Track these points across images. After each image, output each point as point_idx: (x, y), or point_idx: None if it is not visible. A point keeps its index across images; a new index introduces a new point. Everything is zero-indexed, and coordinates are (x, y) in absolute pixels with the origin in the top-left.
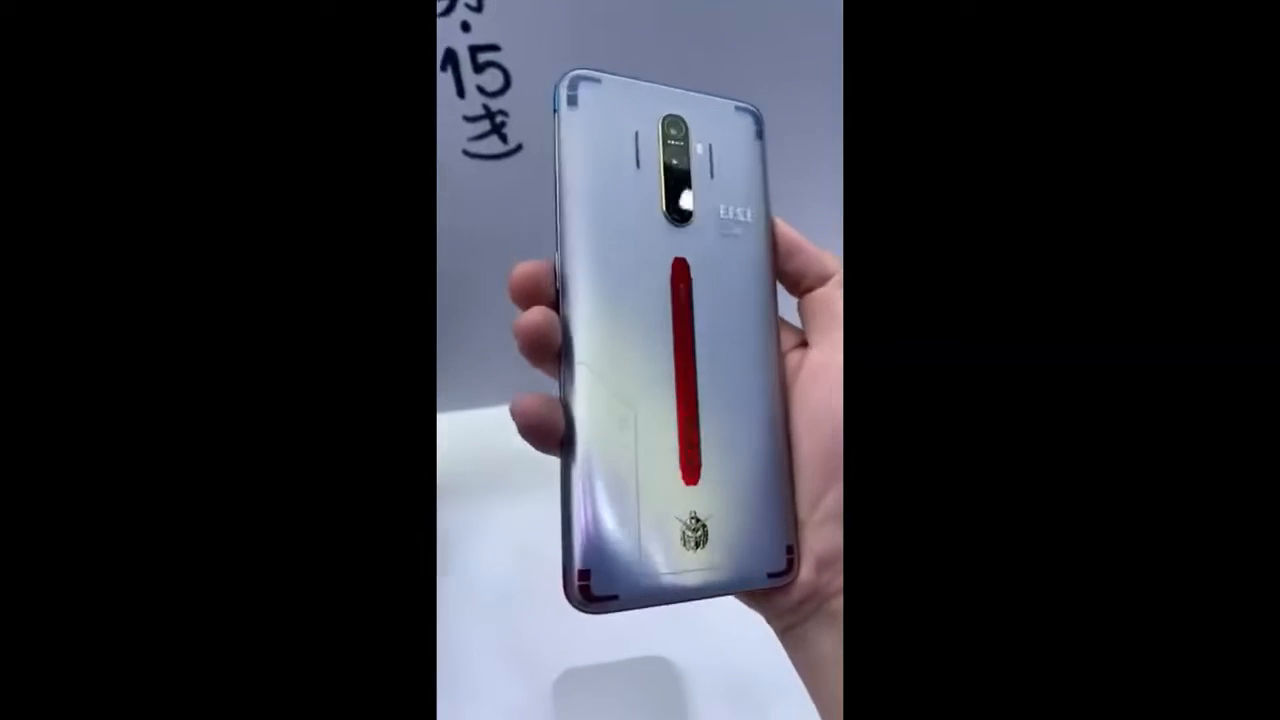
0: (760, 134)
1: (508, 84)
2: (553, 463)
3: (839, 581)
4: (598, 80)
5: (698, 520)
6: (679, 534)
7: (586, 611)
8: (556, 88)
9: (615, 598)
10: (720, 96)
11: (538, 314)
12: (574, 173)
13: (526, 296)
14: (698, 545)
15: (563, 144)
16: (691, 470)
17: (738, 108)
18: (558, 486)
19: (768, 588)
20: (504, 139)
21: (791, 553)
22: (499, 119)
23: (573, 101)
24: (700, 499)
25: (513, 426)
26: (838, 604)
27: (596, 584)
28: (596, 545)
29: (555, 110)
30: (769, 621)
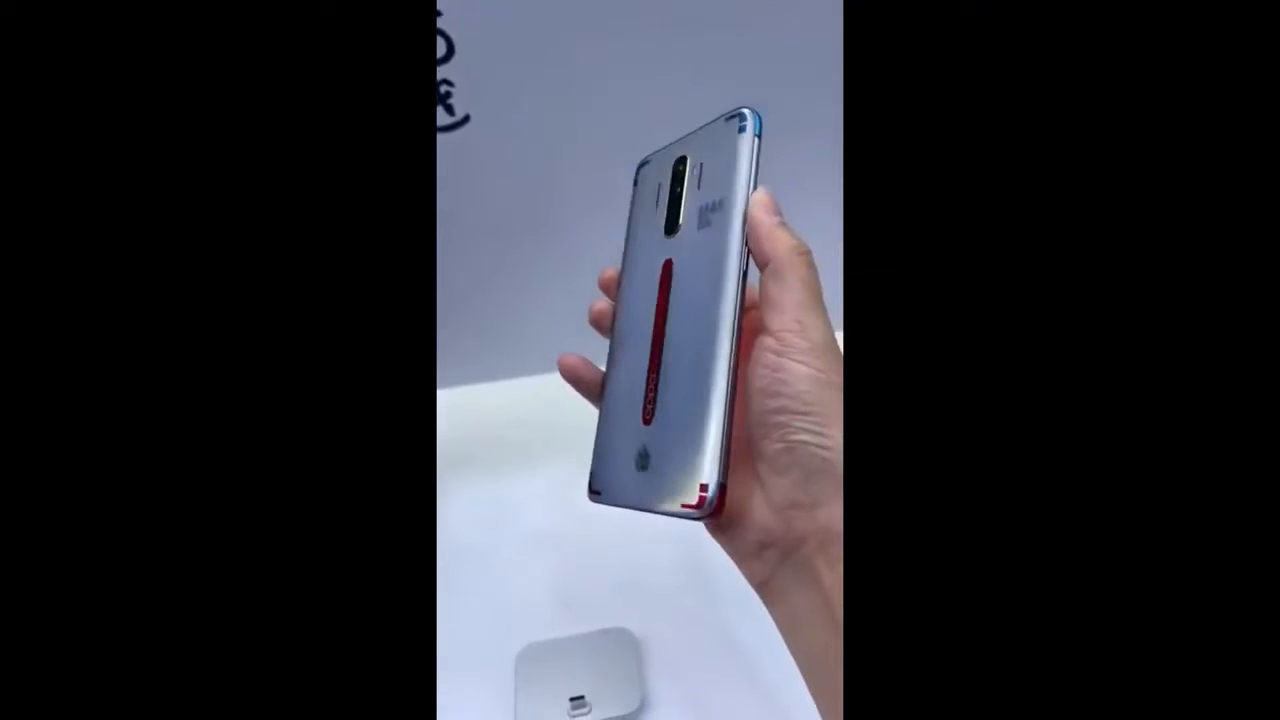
0: (743, 128)
1: (451, 51)
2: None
3: (797, 528)
4: (648, 162)
5: (645, 451)
6: (634, 460)
7: (593, 501)
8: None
9: (601, 493)
10: (718, 117)
11: (601, 304)
12: (631, 227)
13: (605, 289)
14: (643, 470)
15: (630, 211)
16: (648, 415)
17: (726, 118)
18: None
19: (683, 517)
20: (450, 110)
21: (705, 490)
22: (443, 89)
23: (636, 183)
24: (650, 436)
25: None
26: (803, 555)
27: (594, 482)
28: (597, 457)
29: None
30: (748, 579)
